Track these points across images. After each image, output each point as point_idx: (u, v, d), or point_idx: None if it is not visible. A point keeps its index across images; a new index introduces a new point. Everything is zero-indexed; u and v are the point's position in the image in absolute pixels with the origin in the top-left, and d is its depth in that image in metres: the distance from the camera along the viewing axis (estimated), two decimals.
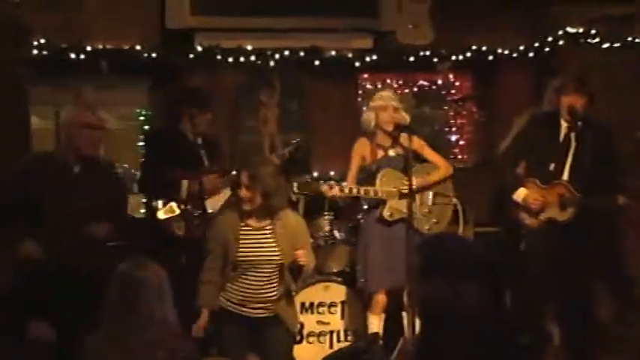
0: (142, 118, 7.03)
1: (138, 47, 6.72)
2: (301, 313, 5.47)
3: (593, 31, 7.01)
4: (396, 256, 5.05)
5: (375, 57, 7.04)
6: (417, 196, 5.18)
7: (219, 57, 6.80)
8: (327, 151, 6.88)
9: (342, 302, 5.69)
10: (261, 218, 4.54)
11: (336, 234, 5.93)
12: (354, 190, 5.24)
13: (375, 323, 5.40)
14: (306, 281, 5.33)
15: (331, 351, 5.64)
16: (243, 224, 4.52)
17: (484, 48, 7.19)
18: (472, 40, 7.23)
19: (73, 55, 6.59)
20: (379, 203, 5.32)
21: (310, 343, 5.62)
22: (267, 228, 4.55)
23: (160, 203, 5.11)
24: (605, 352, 5.38)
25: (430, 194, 5.45)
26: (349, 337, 5.69)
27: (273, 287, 4.54)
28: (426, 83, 7.46)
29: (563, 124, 5.26)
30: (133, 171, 6.18)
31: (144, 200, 5.77)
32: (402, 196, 5.13)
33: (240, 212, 4.52)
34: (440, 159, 5.55)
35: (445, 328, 2.61)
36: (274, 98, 6.99)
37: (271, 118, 6.98)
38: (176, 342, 3.44)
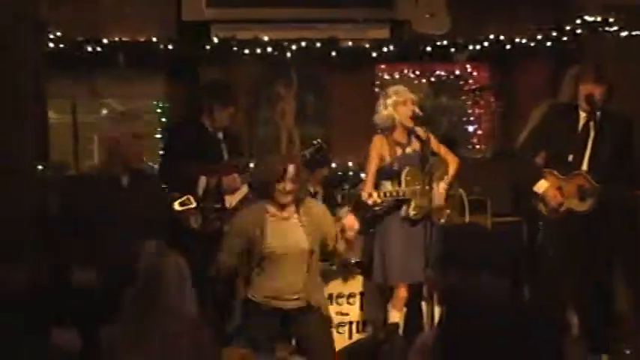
0: (158, 110, 7.04)
1: (154, 40, 6.72)
2: None
3: (611, 20, 6.95)
4: (416, 251, 5.07)
5: (392, 47, 6.99)
6: (434, 192, 5.13)
7: (235, 48, 6.76)
8: (345, 143, 6.85)
9: (361, 293, 5.71)
10: (287, 208, 4.55)
11: None
12: (393, 194, 5.18)
13: (397, 317, 5.37)
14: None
15: (350, 342, 5.66)
16: (269, 216, 4.51)
17: (501, 37, 7.12)
18: (489, 29, 7.17)
19: (89, 49, 6.59)
20: (402, 202, 5.28)
21: None
22: (294, 217, 4.55)
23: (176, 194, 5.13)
24: (623, 342, 5.36)
25: (442, 188, 5.43)
26: (368, 328, 5.70)
27: (304, 277, 4.52)
28: (443, 73, 7.43)
29: (582, 115, 5.22)
30: (150, 164, 6.18)
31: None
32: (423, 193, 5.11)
33: (271, 204, 4.50)
34: (448, 152, 5.53)
35: (467, 317, 2.64)
36: (292, 91, 6.97)
37: (289, 111, 6.97)
38: (195, 332, 3.43)
